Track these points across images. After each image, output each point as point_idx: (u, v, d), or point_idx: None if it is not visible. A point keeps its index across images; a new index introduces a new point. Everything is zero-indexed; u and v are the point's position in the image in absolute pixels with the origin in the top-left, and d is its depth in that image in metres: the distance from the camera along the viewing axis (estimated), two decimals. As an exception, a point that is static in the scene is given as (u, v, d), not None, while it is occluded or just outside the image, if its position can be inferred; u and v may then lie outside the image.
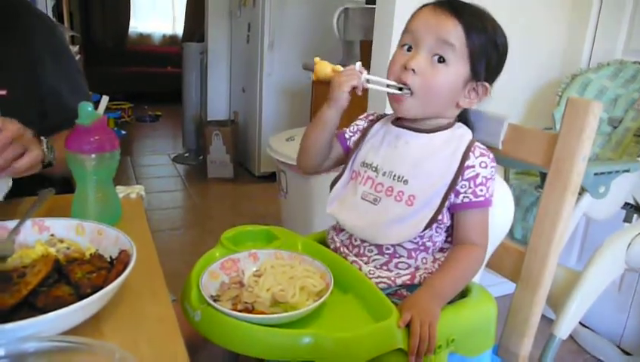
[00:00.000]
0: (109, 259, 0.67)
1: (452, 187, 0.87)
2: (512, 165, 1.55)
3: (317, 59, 0.91)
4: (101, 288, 0.57)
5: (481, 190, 0.87)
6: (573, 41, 1.98)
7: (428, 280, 0.87)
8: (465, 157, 0.87)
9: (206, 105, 4.01)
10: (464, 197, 0.87)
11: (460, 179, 0.87)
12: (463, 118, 0.96)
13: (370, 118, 1.03)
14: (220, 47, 3.99)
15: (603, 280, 1.41)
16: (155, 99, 5.90)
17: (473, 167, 0.87)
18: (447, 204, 0.88)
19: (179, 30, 6.82)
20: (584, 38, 1.95)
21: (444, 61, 0.85)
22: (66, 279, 0.63)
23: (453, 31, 0.84)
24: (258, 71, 3.39)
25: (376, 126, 0.99)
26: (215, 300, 0.77)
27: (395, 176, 0.90)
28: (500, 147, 0.96)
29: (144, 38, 6.81)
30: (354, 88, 0.90)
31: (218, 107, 4.07)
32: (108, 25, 6.33)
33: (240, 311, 0.75)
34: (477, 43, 0.85)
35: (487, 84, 0.90)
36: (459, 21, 0.84)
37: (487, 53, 0.87)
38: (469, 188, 0.87)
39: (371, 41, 1.79)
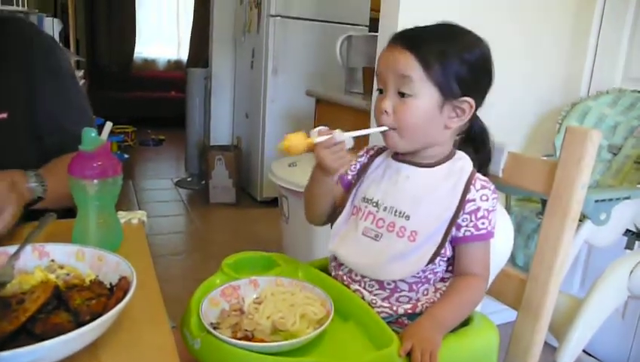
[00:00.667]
0: (108, 286, 0.67)
1: (453, 221, 0.87)
2: (513, 192, 1.56)
3: (288, 135, 0.83)
4: (100, 315, 0.56)
5: (483, 223, 0.87)
6: (573, 69, 2.00)
7: (429, 310, 0.86)
8: (466, 190, 0.87)
9: (209, 130, 4.04)
10: (466, 230, 0.87)
11: (462, 213, 0.87)
12: (479, 141, 0.97)
13: (371, 152, 1.02)
14: (224, 72, 4.04)
15: (606, 307, 1.40)
16: (159, 123, 5.95)
17: (474, 200, 0.87)
18: (449, 238, 0.87)
19: (183, 55, 6.92)
20: (583, 67, 1.98)
21: (408, 95, 0.86)
22: (65, 306, 0.62)
23: (407, 64, 0.85)
24: (261, 96, 3.42)
25: (377, 160, 0.99)
26: (215, 328, 0.76)
27: (396, 211, 0.90)
28: (501, 175, 0.97)
29: (149, 63, 6.91)
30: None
31: (221, 132, 4.10)
32: (113, 50, 6.43)
33: (240, 338, 0.74)
34: (437, 68, 0.85)
35: (468, 99, 0.88)
36: (410, 52, 0.85)
37: (455, 72, 0.86)
38: (471, 221, 0.87)
39: (374, 68, 1.81)
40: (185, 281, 2.24)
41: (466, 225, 0.87)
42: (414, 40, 0.87)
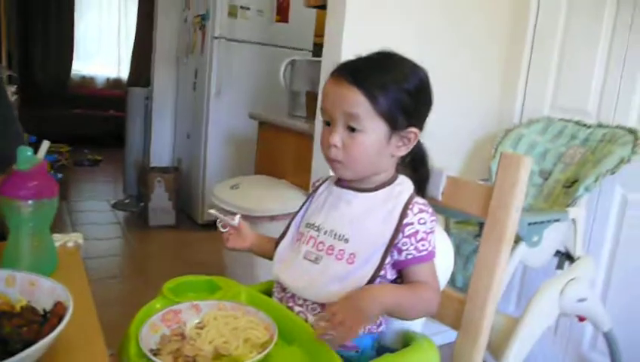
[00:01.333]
0: (42, 312, 0.64)
1: (391, 244, 0.88)
2: (452, 215, 1.61)
3: None
4: (32, 343, 0.54)
5: (423, 245, 0.89)
6: (507, 98, 2.11)
7: (380, 288, 0.87)
8: (403, 215, 0.89)
9: (149, 151, 3.95)
10: (407, 254, 0.89)
11: (401, 236, 0.88)
12: (418, 163, 1.00)
13: (317, 183, 1.05)
14: (166, 92, 3.97)
15: (539, 325, 1.46)
16: (96, 143, 5.76)
17: (412, 224, 0.89)
18: (388, 261, 0.89)
19: (124, 74, 6.75)
20: (515, 96, 2.09)
21: (358, 130, 0.88)
22: (-7, 334, 0.59)
23: (355, 101, 0.86)
24: (204, 118, 3.39)
25: (321, 188, 1.02)
26: (155, 354, 0.74)
27: (336, 234, 0.92)
28: (440, 198, 1.00)
29: (87, 80, 6.69)
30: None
31: (162, 153, 4.01)
32: (49, 66, 6.18)
33: (181, 364, 0.72)
34: (383, 101, 0.86)
35: (413, 130, 0.91)
36: (358, 89, 0.86)
37: (399, 103, 0.88)
38: (411, 244, 0.88)
39: (317, 93, 1.83)
40: (123, 306, 2.16)
41: (407, 249, 0.89)
42: (360, 75, 0.87)
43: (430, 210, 0.92)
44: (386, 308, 0.84)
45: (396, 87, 0.88)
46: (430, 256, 0.90)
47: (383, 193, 0.93)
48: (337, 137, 0.89)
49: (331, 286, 0.88)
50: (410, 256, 0.89)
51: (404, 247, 0.89)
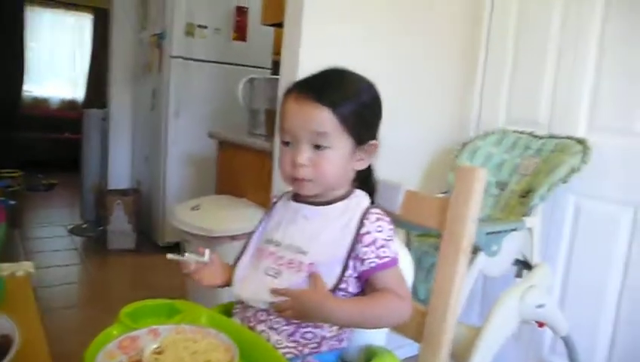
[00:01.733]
0: (-13, 346, 0.61)
1: (349, 255, 0.89)
2: (411, 228, 1.62)
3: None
4: (-24, 380, 0.51)
5: (384, 252, 0.89)
6: (462, 111, 2.16)
7: (335, 300, 0.86)
8: (360, 225, 0.90)
9: (107, 174, 3.86)
10: (370, 262, 0.89)
11: (360, 246, 0.89)
12: (364, 176, 1.00)
13: (274, 200, 1.06)
14: (123, 113, 3.91)
15: (501, 333, 1.49)
16: (51, 166, 5.58)
17: (370, 232, 0.90)
18: (349, 273, 0.89)
19: (78, 95, 6.60)
20: (471, 109, 2.15)
21: (325, 147, 0.88)
22: None
23: (323, 120, 0.87)
24: (162, 138, 3.34)
25: (278, 204, 1.03)
26: (111, 383, 0.71)
27: (295, 248, 0.92)
28: (398, 212, 1.01)
29: (40, 102, 6.50)
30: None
31: (120, 175, 3.93)
32: (-1, 87, 5.98)
33: (139, 393, 0.70)
34: (349, 117, 0.88)
35: (374, 142, 0.94)
36: (324, 106, 0.87)
37: (361, 117, 0.91)
38: (372, 252, 0.89)
39: (275, 110, 1.83)
40: (79, 336, 2.06)
41: (368, 257, 0.89)
42: (322, 92, 0.88)
43: (387, 218, 0.93)
44: (336, 323, 0.86)
45: (357, 102, 0.90)
46: (393, 262, 0.90)
47: (340, 206, 0.94)
48: (304, 156, 0.89)
49: None
50: (373, 264, 0.89)
51: (365, 257, 0.89)
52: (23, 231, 3.69)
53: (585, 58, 1.79)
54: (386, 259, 0.89)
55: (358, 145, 0.92)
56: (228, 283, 1.00)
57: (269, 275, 0.92)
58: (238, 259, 1.00)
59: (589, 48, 1.78)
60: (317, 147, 0.89)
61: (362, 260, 0.89)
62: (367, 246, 0.89)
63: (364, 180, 1.01)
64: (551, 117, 1.90)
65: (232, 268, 1.01)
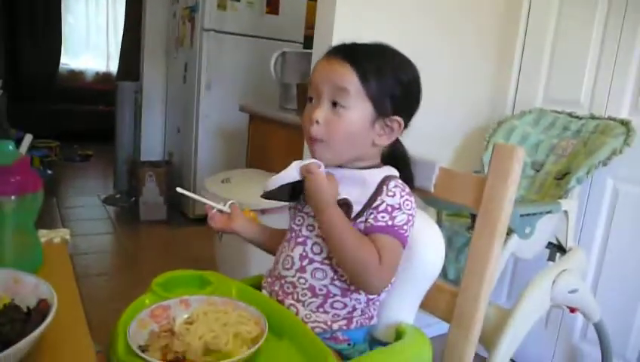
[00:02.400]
0: (25, 310, 0.62)
1: (358, 217, 0.87)
2: (444, 207, 1.60)
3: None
4: (15, 342, 0.52)
5: (383, 216, 0.86)
6: (499, 89, 2.10)
7: (335, 206, 0.86)
8: (379, 188, 0.88)
9: (139, 146, 3.91)
10: (366, 224, 0.87)
11: (369, 209, 0.87)
12: (394, 156, 0.98)
13: None
14: (156, 86, 3.94)
15: (531, 316, 1.46)
16: (86, 138, 5.70)
17: (381, 196, 0.87)
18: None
19: (113, 68, 6.69)
20: (508, 88, 2.08)
21: (342, 106, 0.87)
22: (-25, 334, 0.57)
23: (345, 76, 0.87)
24: (194, 111, 3.36)
25: None
26: (143, 350, 0.73)
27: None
28: (432, 190, 0.99)
29: (76, 74, 6.62)
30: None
31: (152, 147, 3.98)
32: (37, 60, 6.10)
33: (170, 361, 0.71)
34: (374, 83, 0.87)
35: (398, 118, 0.91)
36: (350, 65, 0.87)
37: (389, 90, 0.89)
38: (371, 214, 0.87)
39: (307, 85, 1.81)
40: (112, 303, 2.12)
41: (366, 219, 0.87)
42: (354, 54, 0.88)
43: (407, 189, 0.90)
44: (322, 221, 0.85)
45: (388, 73, 0.89)
46: (388, 229, 0.85)
47: (365, 172, 0.92)
48: (321, 113, 0.88)
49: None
50: (368, 225, 0.87)
51: (366, 218, 0.87)
52: (59, 200, 3.79)
53: (632, 37, 1.71)
54: (380, 224, 0.85)
55: (378, 116, 0.89)
56: (238, 233, 1.06)
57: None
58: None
59: (637, 27, 1.70)
60: (335, 105, 0.87)
61: (364, 222, 0.87)
62: (373, 208, 0.87)
63: (401, 167, 0.98)
64: (592, 97, 1.83)
65: (254, 225, 1.07)
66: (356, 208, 0.88)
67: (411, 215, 0.88)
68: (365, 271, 0.83)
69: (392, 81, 0.89)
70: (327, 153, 0.90)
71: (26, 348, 0.54)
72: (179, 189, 1.07)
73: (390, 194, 0.87)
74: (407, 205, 0.88)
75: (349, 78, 0.86)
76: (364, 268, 0.83)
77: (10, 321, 0.58)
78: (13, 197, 0.75)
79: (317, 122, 0.88)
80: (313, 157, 0.92)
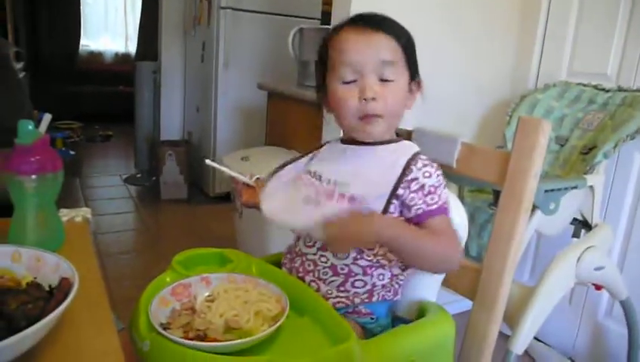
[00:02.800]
0: (47, 289, 0.63)
1: (393, 195, 0.86)
2: (466, 183, 1.57)
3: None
4: (38, 320, 0.52)
5: (432, 198, 0.86)
6: (521, 62, 2.04)
7: (389, 218, 0.84)
8: (406, 170, 0.87)
9: (159, 125, 3.93)
10: (417, 209, 0.86)
11: (407, 192, 0.86)
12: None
13: (323, 144, 1.04)
14: (174, 66, 3.94)
15: (555, 294, 1.44)
16: (107, 118, 5.76)
17: (417, 178, 0.86)
18: (390, 214, 0.86)
19: (132, 49, 6.71)
20: (531, 60, 2.02)
21: (391, 80, 0.87)
22: (-2, 311, 0.58)
23: (390, 48, 0.87)
24: (213, 90, 3.35)
25: (325, 147, 1.01)
26: (165, 328, 0.73)
27: (336, 182, 0.90)
28: (454, 166, 0.97)
29: (95, 56, 6.66)
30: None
31: (172, 127, 4.00)
32: (57, 42, 6.14)
33: (192, 338, 0.71)
34: (407, 48, 0.89)
35: (419, 78, 0.93)
36: (389, 35, 0.86)
37: (413, 52, 0.91)
38: (419, 199, 0.86)
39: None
40: (135, 281, 2.17)
41: (415, 204, 0.86)
42: (389, 25, 0.88)
43: (435, 164, 0.89)
44: (390, 239, 0.80)
45: (410, 37, 0.90)
46: (442, 209, 0.86)
47: (389, 146, 0.91)
48: (374, 87, 0.85)
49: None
50: (420, 211, 0.86)
51: (412, 203, 0.86)
52: (81, 180, 3.84)
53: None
54: (434, 206, 0.86)
55: (411, 81, 0.91)
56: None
57: (308, 204, 0.91)
58: (277, 170, 1.01)
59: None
60: (382, 80, 0.86)
61: (409, 206, 0.86)
62: (414, 192, 0.86)
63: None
64: (620, 69, 1.77)
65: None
66: (386, 189, 0.86)
67: (445, 186, 0.89)
68: (450, 263, 0.86)
69: (411, 42, 0.91)
70: (381, 127, 0.89)
71: (48, 326, 0.54)
72: (207, 161, 1.07)
73: (427, 175, 0.86)
74: (441, 179, 0.89)
75: (395, 50, 0.87)
76: (449, 262, 0.86)
77: (34, 299, 0.59)
78: (33, 177, 0.75)
79: (373, 99, 0.85)
80: (365, 131, 0.89)
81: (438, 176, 0.88)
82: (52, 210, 0.82)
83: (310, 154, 1.02)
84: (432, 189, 0.86)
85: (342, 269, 0.89)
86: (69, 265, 0.63)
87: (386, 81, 0.86)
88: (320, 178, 0.93)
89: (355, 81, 0.87)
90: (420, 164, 0.87)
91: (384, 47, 0.86)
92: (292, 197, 0.94)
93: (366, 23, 0.87)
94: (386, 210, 0.86)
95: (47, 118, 0.81)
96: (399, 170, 0.86)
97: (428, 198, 0.86)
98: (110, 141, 5.37)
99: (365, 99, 0.85)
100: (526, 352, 1.85)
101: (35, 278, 0.65)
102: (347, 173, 0.90)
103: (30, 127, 0.76)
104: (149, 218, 3.21)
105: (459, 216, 0.97)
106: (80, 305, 0.59)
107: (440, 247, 0.83)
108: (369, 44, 0.86)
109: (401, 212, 0.87)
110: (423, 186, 0.86)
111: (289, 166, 1.01)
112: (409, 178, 0.86)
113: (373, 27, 0.86)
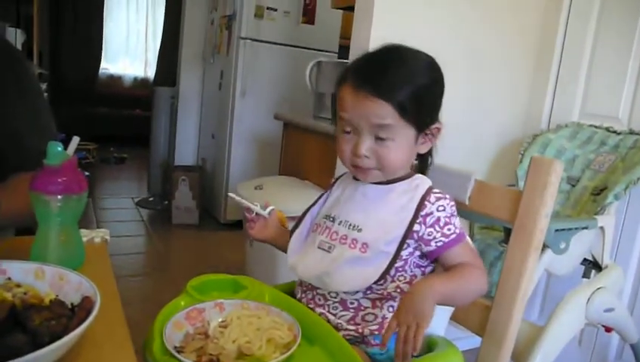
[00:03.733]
0: (70, 306, 0.65)
1: (408, 235, 0.87)
2: (478, 220, 1.58)
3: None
4: (60, 337, 0.54)
5: (449, 229, 0.87)
6: (535, 104, 2.07)
7: (427, 278, 0.86)
8: (420, 206, 0.88)
9: (174, 150, 3.99)
10: (436, 242, 0.87)
11: (423, 228, 0.87)
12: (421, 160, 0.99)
13: (334, 181, 1.06)
14: (192, 92, 4.01)
15: (565, 334, 1.43)
16: (122, 141, 5.85)
17: (432, 213, 0.88)
18: (407, 252, 0.88)
19: (150, 73, 6.84)
20: (544, 101, 2.05)
21: (388, 139, 0.86)
22: (22, 327, 0.59)
23: (383, 113, 0.84)
24: (229, 118, 3.41)
25: (338, 183, 1.03)
26: (179, 351, 0.74)
27: (349, 224, 0.91)
28: (467, 202, 0.99)
29: (115, 79, 6.81)
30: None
31: (186, 152, 4.05)
32: (78, 64, 6.29)
33: (204, 363, 0.72)
34: (409, 106, 0.85)
35: (438, 125, 0.92)
36: (384, 101, 0.84)
37: (422, 103, 0.87)
38: (437, 232, 0.87)
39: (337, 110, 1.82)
40: (144, 304, 2.18)
41: (434, 237, 0.87)
42: (383, 85, 0.85)
43: (448, 196, 0.90)
44: (442, 295, 0.80)
45: (418, 88, 0.86)
46: (460, 237, 0.88)
47: (402, 186, 0.92)
48: (365, 147, 0.87)
49: (342, 273, 0.88)
50: (440, 244, 0.87)
51: (430, 237, 0.87)
52: (94, 201, 3.89)
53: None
54: (453, 236, 0.87)
55: (420, 132, 0.90)
56: (273, 242, 1.06)
57: (323, 249, 0.93)
58: (294, 229, 1.01)
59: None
60: (378, 138, 0.87)
61: (428, 241, 0.88)
62: (430, 226, 0.87)
63: (423, 169, 0.99)
64: (631, 112, 1.79)
65: (286, 234, 1.03)
66: (400, 229, 0.88)
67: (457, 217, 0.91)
68: (482, 289, 0.87)
69: (423, 94, 0.87)
70: (377, 177, 0.92)
71: (71, 343, 0.56)
72: (231, 194, 1.10)
73: (441, 208, 0.88)
74: (454, 209, 0.90)
75: (386, 113, 0.84)
76: (482, 287, 0.87)
77: (57, 316, 0.61)
78: (59, 197, 0.78)
79: (365, 156, 0.88)
80: (360, 177, 0.93)
81: (451, 207, 0.89)
82: (74, 230, 0.84)
83: (324, 196, 1.03)
84: (447, 220, 0.88)
85: (351, 304, 0.90)
86: (91, 284, 0.65)
87: (383, 139, 0.86)
88: (333, 219, 0.95)
89: (349, 132, 0.89)
90: (433, 198, 0.89)
91: (377, 112, 0.84)
92: (310, 245, 0.97)
93: (364, 82, 0.85)
94: (398, 252, 0.87)
95: (75, 140, 0.84)
96: (413, 210, 0.88)
97: (445, 230, 0.87)
98: (124, 163, 5.44)
99: (357, 155, 0.88)
100: (534, 393, 1.83)
101: (57, 296, 0.67)
102: (359, 215, 0.92)
103: (59, 149, 0.79)
104: (160, 242, 3.23)
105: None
106: (99, 324, 0.61)
107: (475, 278, 0.86)
108: (363, 109, 0.85)
109: (417, 248, 0.89)
110: (438, 219, 0.88)
111: (306, 217, 1.02)
112: (424, 213, 0.88)
113: (369, 89, 0.84)
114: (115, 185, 4.63)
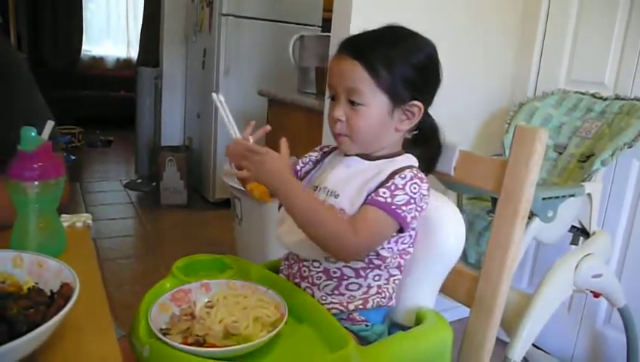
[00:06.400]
0: (49, 294, 0.63)
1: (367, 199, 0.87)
2: (464, 191, 1.58)
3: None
4: (38, 325, 0.53)
5: (384, 193, 0.85)
6: (520, 71, 2.06)
7: (291, 178, 0.86)
8: (390, 177, 0.87)
9: (160, 131, 3.95)
10: (370, 196, 0.86)
11: (381, 189, 0.86)
12: (421, 128, 0.97)
13: (325, 150, 1.06)
14: (175, 72, 3.95)
15: (554, 301, 1.45)
16: (108, 124, 5.78)
17: (393, 179, 0.87)
18: None
19: (133, 54, 6.73)
20: (530, 69, 2.03)
21: (359, 104, 0.87)
22: (-1, 316, 0.58)
23: (355, 75, 0.87)
24: (213, 96, 3.36)
25: (329, 157, 1.03)
26: (165, 334, 0.74)
27: (328, 191, 0.92)
28: (452, 173, 0.98)
29: (97, 61, 6.69)
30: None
31: (172, 133, 4.01)
32: (59, 47, 6.16)
33: (191, 344, 0.72)
34: (386, 76, 0.86)
35: (417, 103, 0.90)
36: (359, 62, 0.86)
37: (403, 78, 0.87)
38: (382, 191, 0.85)
39: (326, 68, 1.80)
40: (135, 286, 2.17)
41: (374, 193, 0.86)
42: (361, 49, 0.87)
43: (421, 175, 0.89)
44: (285, 201, 0.83)
45: (401, 62, 0.87)
46: (382, 205, 0.84)
47: (382, 162, 0.92)
48: (340, 111, 0.89)
49: None
50: (368, 198, 0.86)
51: (374, 193, 0.86)
52: (82, 185, 3.85)
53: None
54: (379, 199, 0.84)
55: (396, 106, 0.89)
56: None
57: None
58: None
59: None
60: (352, 103, 0.88)
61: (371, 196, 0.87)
62: (384, 187, 0.86)
63: (427, 141, 0.98)
64: (617, 77, 1.78)
65: None
66: (362, 198, 0.87)
67: (415, 198, 0.86)
68: (340, 246, 0.83)
69: (404, 68, 0.88)
70: (353, 146, 0.92)
71: (49, 331, 0.55)
72: (214, 95, 1.06)
73: (402, 176, 0.87)
74: (414, 188, 0.86)
75: (359, 76, 0.86)
76: (339, 244, 0.82)
77: (35, 304, 0.59)
78: (36, 183, 0.76)
79: (339, 120, 0.90)
80: (340, 148, 0.95)
81: (411, 180, 0.86)
82: (53, 216, 0.83)
83: (314, 170, 1.03)
84: (392, 187, 0.85)
85: (334, 273, 0.90)
86: (71, 271, 0.64)
87: (356, 104, 0.88)
88: (316, 188, 0.95)
89: (333, 99, 0.92)
90: (408, 176, 0.87)
91: (350, 75, 0.87)
92: None
93: (347, 48, 0.89)
94: None
95: (49, 124, 0.82)
96: (383, 178, 0.87)
97: (381, 191, 0.85)
98: (111, 146, 5.38)
99: (334, 120, 0.90)
100: (524, 359, 1.85)
101: (36, 283, 0.65)
102: (338, 183, 0.92)
103: (32, 134, 0.77)
104: (149, 223, 3.22)
105: (458, 224, 0.97)
106: (81, 311, 0.60)
107: (335, 224, 0.82)
108: (340, 71, 0.89)
109: None
110: (390, 184, 0.86)
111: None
112: (388, 184, 0.86)
113: (350, 53, 0.87)
114: (103, 169, 4.58)
